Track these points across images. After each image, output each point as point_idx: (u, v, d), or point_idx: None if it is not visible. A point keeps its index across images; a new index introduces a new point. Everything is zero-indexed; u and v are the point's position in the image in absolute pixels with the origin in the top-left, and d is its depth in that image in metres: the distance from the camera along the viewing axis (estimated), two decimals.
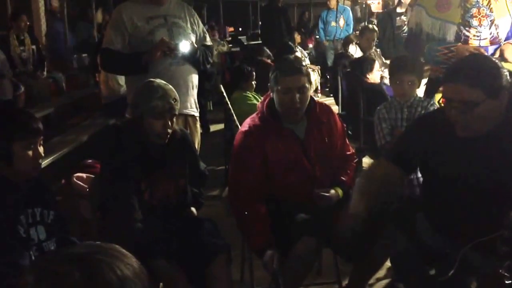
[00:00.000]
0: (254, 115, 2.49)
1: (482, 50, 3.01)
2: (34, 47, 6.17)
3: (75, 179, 2.98)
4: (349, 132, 4.18)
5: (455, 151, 1.89)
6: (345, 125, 2.70)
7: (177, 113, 2.33)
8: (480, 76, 1.76)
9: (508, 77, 1.82)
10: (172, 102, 2.26)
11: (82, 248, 0.88)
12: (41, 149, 1.84)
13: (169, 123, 2.27)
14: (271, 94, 2.43)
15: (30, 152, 1.79)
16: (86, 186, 2.64)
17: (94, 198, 2.38)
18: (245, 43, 10.88)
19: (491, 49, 3.10)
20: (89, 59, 7.27)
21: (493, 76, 1.78)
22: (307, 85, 2.36)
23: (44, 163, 3.48)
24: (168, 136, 2.30)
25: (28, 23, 6.14)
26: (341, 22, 8.79)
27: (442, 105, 3.11)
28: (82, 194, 2.78)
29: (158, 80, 2.34)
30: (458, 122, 1.82)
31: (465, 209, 1.90)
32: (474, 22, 3.09)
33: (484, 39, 3.10)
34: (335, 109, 4.43)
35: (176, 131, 2.39)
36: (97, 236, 2.33)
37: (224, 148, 4.54)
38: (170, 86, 2.32)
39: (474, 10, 3.09)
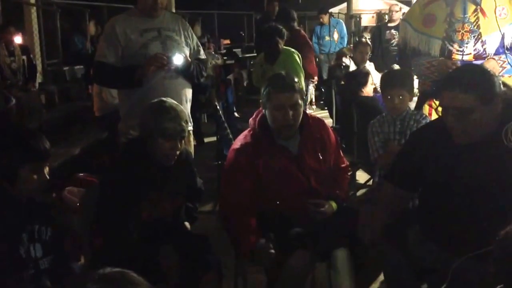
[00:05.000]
0: (246, 131, 2.47)
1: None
2: (24, 57, 6.14)
3: (66, 193, 2.95)
4: (343, 145, 4.18)
5: (451, 158, 1.93)
6: (339, 138, 2.69)
7: (186, 135, 2.27)
8: (474, 83, 1.83)
9: (501, 86, 1.87)
10: (184, 124, 2.20)
11: (93, 283, 0.88)
12: (46, 170, 1.80)
13: (178, 145, 2.22)
14: (263, 110, 2.41)
15: (36, 175, 1.76)
16: (77, 200, 2.61)
17: (85, 213, 2.34)
18: (240, 56, 10.90)
19: None
20: (84, 71, 7.24)
21: (486, 82, 1.84)
22: (300, 101, 2.35)
23: None
24: (176, 157, 2.25)
25: (16, 35, 6.09)
26: (335, 35, 8.84)
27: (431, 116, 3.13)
28: (73, 208, 2.74)
29: (170, 100, 2.27)
30: (454, 129, 1.88)
31: (459, 220, 1.90)
32: (456, 36, 3.10)
33: (468, 54, 3.10)
34: (329, 122, 4.42)
35: (182, 152, 2.32)
36: (88, 251, 2.30)
37: (217, 162, 4.51)
38: (181, 107, 2.27)
39: (458, 25, 3.10)
